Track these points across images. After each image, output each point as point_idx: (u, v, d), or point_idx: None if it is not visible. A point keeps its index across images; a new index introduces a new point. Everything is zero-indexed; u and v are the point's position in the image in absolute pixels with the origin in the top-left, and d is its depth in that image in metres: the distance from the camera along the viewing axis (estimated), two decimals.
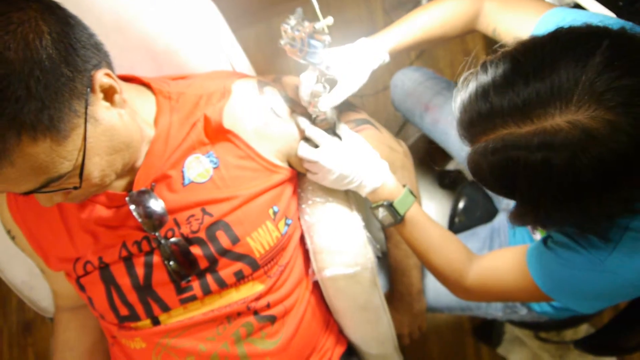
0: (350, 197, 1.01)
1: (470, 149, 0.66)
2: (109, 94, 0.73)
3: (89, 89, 0.69)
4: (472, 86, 0.64)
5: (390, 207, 0.90)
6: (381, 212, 0.92)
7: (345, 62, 0.88)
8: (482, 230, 1.27)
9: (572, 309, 1.05)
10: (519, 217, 0.69)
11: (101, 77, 0.71)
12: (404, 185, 0.93)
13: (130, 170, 0.84)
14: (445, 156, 1.81)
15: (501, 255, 0.88)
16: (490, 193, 1.31)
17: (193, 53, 0.98)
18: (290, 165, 0.94)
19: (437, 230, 0.92)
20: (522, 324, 1.37)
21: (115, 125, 0.75)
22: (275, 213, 0.90)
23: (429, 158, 1.83)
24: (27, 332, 1.96)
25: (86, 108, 0.69)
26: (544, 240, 0.80)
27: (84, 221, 0.86)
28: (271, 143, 0.90)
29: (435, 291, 1.22)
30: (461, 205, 1.34)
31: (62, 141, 0.67)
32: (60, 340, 1.05)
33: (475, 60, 0.69)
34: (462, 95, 0.66)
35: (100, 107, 0.72)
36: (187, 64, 0.98)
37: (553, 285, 0.78)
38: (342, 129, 0.94)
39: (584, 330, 1.58)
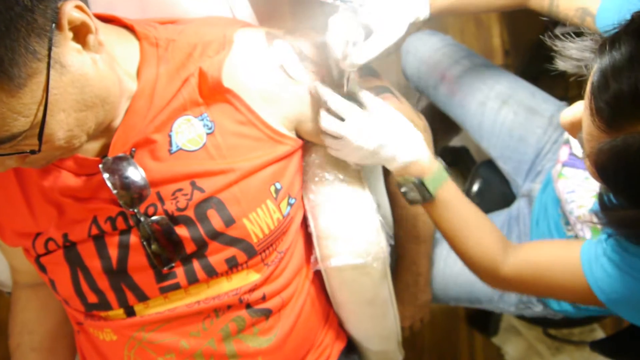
0: (363, 175, 0.87)
1: (609, 139, 0.48)
2: (80, 34, 0.59)
3: (53, 25, 0.55)
4: (634, 45, 0.46)
5: (420, 185, 0.78)
6: (408, 189, 0.79)
7: (381, 6, 0.76)
8: (498, 217, 1.17)
9: (594, 309, 0.96)
10: (630, 223, 0.55)
11: (71, 10, 0.56)
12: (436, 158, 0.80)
13: (105, 131, 0.70)
14: (450, 131, 1.69)
15: (547, 249, 0.78)
16: (509, 176, 1.19)
17: None
18: (298, 135, 0.81)
19: (471, 212, 0.80)
20: (530, 320, 1.29)
21: (88, 73, 0.60)
22: (277, 191, 0.77)
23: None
24: None
25: (49, 49, 0.55)
26: (603, 243, 0.69)
27: (46, 190, 0.72)
28: (278, 108, 0.76)
29: (443, 282, 1.13)
30: (475, 187, 1.22)
31: (15, 91, 0.53)
32: (18, 321, 0.92)
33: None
34: (613, 56, 0.47)
35: (68, 50, 0.58)
36: (177, 5, 0.83)
37: (616, 296, 0.68)
38: (366, 97, 0.79)
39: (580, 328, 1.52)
